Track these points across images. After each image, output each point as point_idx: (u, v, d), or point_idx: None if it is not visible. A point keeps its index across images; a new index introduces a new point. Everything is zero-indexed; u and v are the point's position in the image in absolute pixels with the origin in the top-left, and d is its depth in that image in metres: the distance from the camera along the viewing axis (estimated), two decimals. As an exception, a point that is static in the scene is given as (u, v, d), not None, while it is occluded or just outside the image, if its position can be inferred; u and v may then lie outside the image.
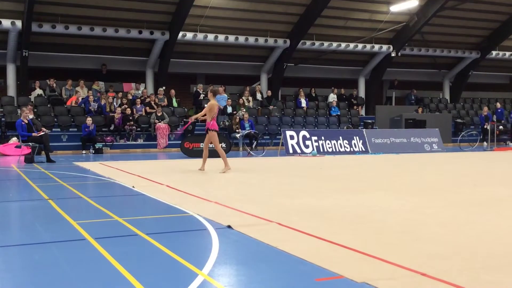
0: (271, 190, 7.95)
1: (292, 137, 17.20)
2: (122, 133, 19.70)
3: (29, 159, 13.83)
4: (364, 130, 19.62)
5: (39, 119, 18.45)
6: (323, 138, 17.71)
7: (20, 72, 20.78)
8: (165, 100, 21.96)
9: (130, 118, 19.85)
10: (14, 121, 15.89)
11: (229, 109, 21.99)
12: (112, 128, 19.57)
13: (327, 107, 25.07)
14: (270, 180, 9.46)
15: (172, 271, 3.73)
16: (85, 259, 4.03)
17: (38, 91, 20.71)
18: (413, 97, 27.64)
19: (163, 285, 3.40)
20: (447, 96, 29.41)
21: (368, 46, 25.11)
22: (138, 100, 20.97)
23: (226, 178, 9.74)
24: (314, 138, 17.53)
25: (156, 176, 9.67)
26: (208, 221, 5.37)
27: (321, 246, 4.30)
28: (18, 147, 15.45)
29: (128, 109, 20.11)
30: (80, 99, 20.68)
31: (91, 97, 20.32)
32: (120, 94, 21.17)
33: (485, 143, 22.38)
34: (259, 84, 25.25)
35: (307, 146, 17.26)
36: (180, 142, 17.24)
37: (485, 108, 24.57)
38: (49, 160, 13.98)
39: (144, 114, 20.69)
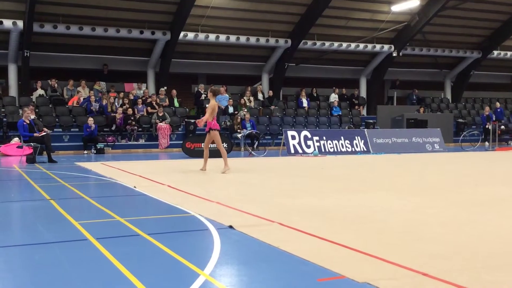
0: (272, 190, 7.94)
1: (293, 137, 17.20)
2: (123, 133, 19.72)
3: (30, 159, 13.83)
4: (365, 130, 19.60)
5: (40, 119, 18.48)
6: (324, 138, 17.71)
7: (21, 72, 20.81)
8: (167, 100, 21.99)
9: (132, 118, 19.87)
10: (16, 121, 15.91)
11: (231, 109, 21.99)
12: (113, 128, 19.60)
13: (328, 107, 25.06)
14: (272, 180, 9.46)
15: (174, 271, 3.73)
16: (87, 259, 4.03)
17: (40, 91, 20.73)
18: (414, 97, 27.62)
19: (165, 285, 3.40)
20: (449, 96, 29.40)
21: (370, 46, 25.09)
22: (140, 100, 20.99)
23: (228, 178, 9.73)
24: (315, 138, 17.53)
25: (158, 176, 9.68)
26: (209, 221, 5.37)
27: (323, 246, 4.30)
28: (19, 147, 15.47)
29: (130, 109, 20.15)
30: (81, 99, 20.69)
31: (93, 97, 20.33)
32: (121, 94, 21.21)
33: (486, 143, 22.34)
34: (261, 84, 25.24)
35: (308, 146, 17.26)
36: (181, 142, 17.26)
37: (487, 108, 24.52)
38: (50, 160, 13.98)
39: (145, 114, 20.70)
